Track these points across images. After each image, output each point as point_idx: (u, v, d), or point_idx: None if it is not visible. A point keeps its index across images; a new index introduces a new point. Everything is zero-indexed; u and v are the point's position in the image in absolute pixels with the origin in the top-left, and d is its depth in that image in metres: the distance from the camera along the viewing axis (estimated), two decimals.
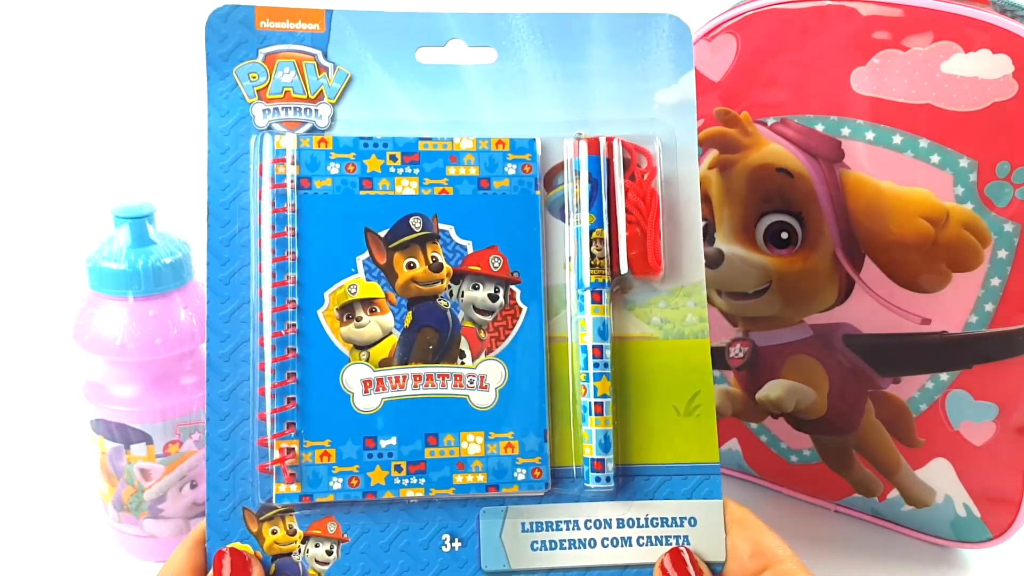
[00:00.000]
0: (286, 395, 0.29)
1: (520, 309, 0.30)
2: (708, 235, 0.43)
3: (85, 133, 0.67)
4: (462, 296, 0.30)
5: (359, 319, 0.30)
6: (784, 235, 0.41)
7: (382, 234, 0.30)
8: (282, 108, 0.30)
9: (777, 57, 0.40)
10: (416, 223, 0.30)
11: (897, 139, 0.38)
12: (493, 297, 0.30)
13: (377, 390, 0.29)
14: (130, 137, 0.67)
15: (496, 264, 0.30)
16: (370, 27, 0.31)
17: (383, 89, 0.31)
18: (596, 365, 0.30)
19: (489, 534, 0.30)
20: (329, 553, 0.30)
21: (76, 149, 0.67)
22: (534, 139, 0.31)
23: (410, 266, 0.30)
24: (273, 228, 0.30)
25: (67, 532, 0.45)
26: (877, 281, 0.40)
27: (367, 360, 0.30)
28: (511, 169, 0.31)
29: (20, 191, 0.68)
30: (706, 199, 0.43)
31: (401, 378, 0.30)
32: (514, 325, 0.30)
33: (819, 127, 0.39)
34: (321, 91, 0.31)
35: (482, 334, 0.30)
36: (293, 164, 0.30)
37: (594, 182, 0.31)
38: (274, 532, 0.30)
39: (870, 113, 0.38)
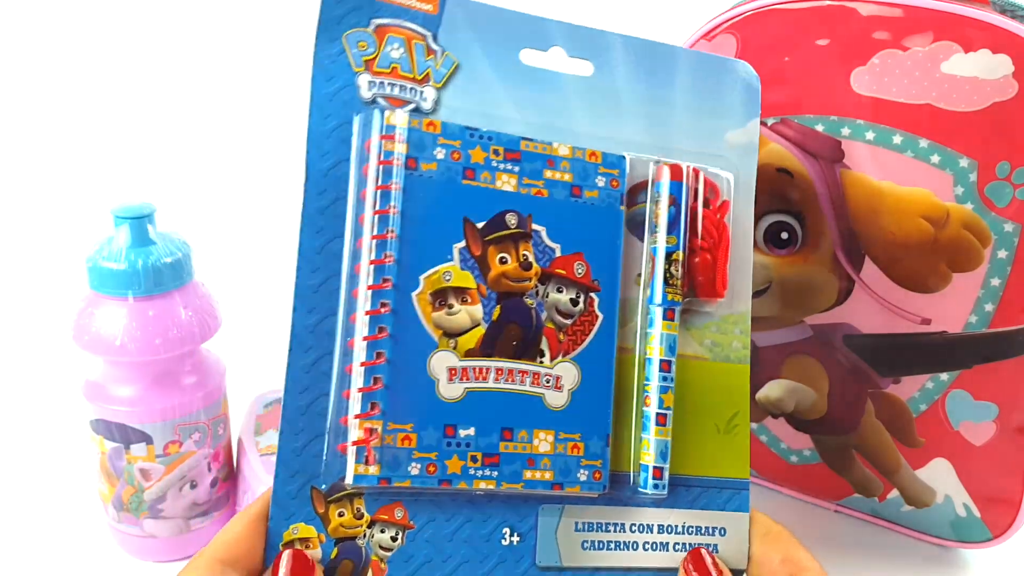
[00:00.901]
0: (374, 375, 0.29)
1: (597, 316, 0.31)
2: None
3: (85, 133, 0.67)
4: (547, 297, 0.31)
5: (451, 306, 0.30)
6: (784, 235, 0.41)
7: (479, 226, 0.30)
8: (388, 84, 0.30)
9: (777, 57, 0.40)
10: (512, 220, 0.31)
11: (897, 139, 0.38)
12: (575, 302, 0.31)
13: (462, 379, 0.29)
14: (130, 137, 0.67)
15: (580, 270, 0.31)
16: (481, 18, 0.31)
17: (486, 82, 0.31)
18: (663, 379, 0.31)
19: (546, 531, 0.30)
20: (394, 539, 0.29)
21: (76, 149, 0.67)
22: (624, 156, 0.32)
23: (503, 261, 0.30)
24: (376, 204, 0.29)
25: (67, 532, 0.45)
26: (877, 281, 0.40)
27: (454, 348, 0.30)
28: (601, 181, 0.31)
29: (20, 191, 0.68)
30: None
31: (485, 370, 0.30)
32: (590, 331, 0.31)
33: (819, 127, 0.39)
34: (428, 73, 0.30)
35: (561, 336, 0.31)
36: (402, 143, 0.29)
37: (676, 206, 0.32)
38: (341, 515, 0.29)
39: (870, 113, 0.38)
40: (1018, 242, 0.37)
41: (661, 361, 0.31)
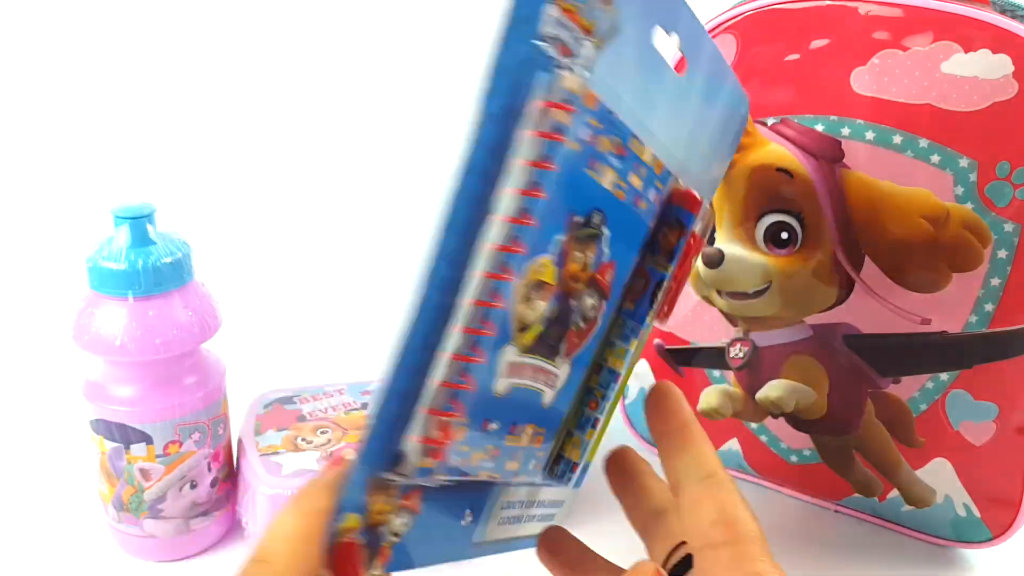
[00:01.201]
0: (465, 372, 0.26)
1: (596, 323, 0.30)
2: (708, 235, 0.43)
3: (85, 133, 0.67)
4: (581, 300, 0.29)
5: (529, 300, 0.28)
6: (784, 235, 0.41)
7: (578, 220, 0.28)
8: (566, 25, 0.25)
9: (777, 57, 0.40)
10: (596, 219, 0.28)
11: (897, 139, 0.38)
12: (596, 308, 0.30)
13: (510, 375, 0.28)
14: (130, 137, 0.67)
15: (609, 278, 0.30)
16: None
17: (626, 58, 0.27)
18: (614, 390, 0.31)
19: (487, 510, 0.31)
20: (405, 525, 0.29)
21: (76, 149, 0.67)
22: (672, 174, 0.30)
23: (577, 260, 0.29)
24: (527, 181, 0.25)
25: (67, 532, 0.45)
26: (877, 281, 0.40)
27: (517, 342, 0.28)
28: (652, 194, 0.30)
29: (20, 191, 0.68)
30: None
31: (532, 368, 0.28)
32: (588, 336, 0.30)
33: (819, 127, 0.39)
34: (594, 26, 0.25)
35: (575, 338, 0.30)
36: (569, 114, 0.25)
37: (684, 236, 0.31)
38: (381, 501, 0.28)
39: (870, 113, 0.38)
40: (1018, 242, 0.37)
41: (621, 375, 0.31)
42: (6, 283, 0.66)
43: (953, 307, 0.39)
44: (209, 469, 0.42)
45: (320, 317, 0.64)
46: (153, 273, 0.38)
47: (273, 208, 0.68)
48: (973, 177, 0.37)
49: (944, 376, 0.40)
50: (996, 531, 0.42)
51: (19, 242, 0.68)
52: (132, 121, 0.66)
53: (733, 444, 0.48)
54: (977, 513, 0.42)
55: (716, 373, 0.47)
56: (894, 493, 0.44)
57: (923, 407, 0.42)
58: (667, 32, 0.28)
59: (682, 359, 0.48)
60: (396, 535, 0.28)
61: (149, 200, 0.40)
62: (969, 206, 0.37)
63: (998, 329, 0.39)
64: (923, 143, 0.37)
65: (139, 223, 0.39)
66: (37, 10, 0.64)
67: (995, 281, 0.38)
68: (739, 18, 0.41)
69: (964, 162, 0.37)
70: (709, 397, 0.46)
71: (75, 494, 0.47)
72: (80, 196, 0.65)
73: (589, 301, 0.30)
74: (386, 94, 0.68)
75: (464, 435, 0.27)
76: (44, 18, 0.65)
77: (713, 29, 0.42)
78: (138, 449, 0.40)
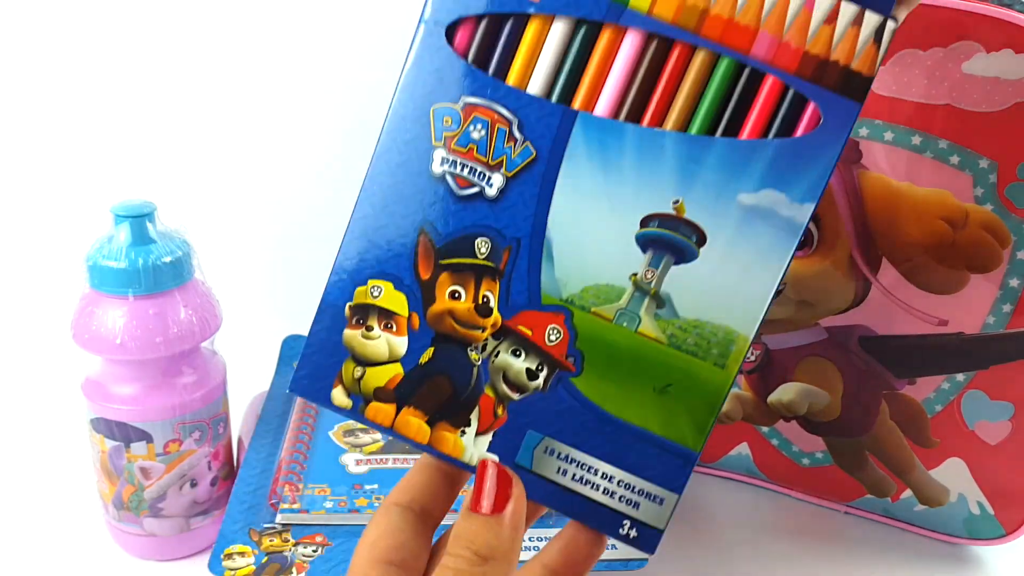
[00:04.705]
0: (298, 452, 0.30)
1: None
2: None
3: (85, 132, 0.67)
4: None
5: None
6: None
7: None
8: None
9: None
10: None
11: (916, 140, 0.37)
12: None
13: (367, 463, 0.30)
14: (130, 136, 0.66)
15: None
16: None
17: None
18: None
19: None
20: (315, 551, 0.34)
21: (76, 148, 0.67)
22: None
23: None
24: None
25: (67, 531, 0.45)
26: (894, 283, 0.40)
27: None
28: None
29: (20, 190, 0.67)
30: None
31: (389, 460, 0.31)
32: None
33: None
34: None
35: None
36: None
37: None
38: (271, 540, 0.39)
39: (889, 113, 0.38)
40: None
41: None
42: (6, 282, 0.66)
43: (971, 308, 0.39)
44: (209, 468, 0.42)
45: None
46: (153, 272, 0.38)
47: (273, 208, 0.68)
48: (993, 178, 0.36)
49: (960, 377, 0.40)
50: (1009, 528, 0.43)
51: (19, 240, 0.67)
52: (132, 120, 0.66)
53: (743, 448, 0.48)
54: (991, 510, 0.42)
55: None
56: (907, 493, 0.44)
57: (938, 408, 0.41)
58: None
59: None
60: (308, 557, 0.34)
61: (149, 198, 0.40)
62: (989, 207, 0.37)
63: (1016, 330, 0.38)
64: (942, 144, 0.37)
65: (139, 221, 0.38)
66: (37, 10, 0.64)
67: (1014, 282, 0.38)
68: None
69: (984, 163, 0.36)
70: None
71: (75, 493, 0.47)
72: (80, 194, 0.65)
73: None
74: (386, 94, 0.68)
75: (332, 491, 0.33)
76: (44, 18, 0.64)
77: None
78: (138, 448, 0.40)
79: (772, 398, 0.44)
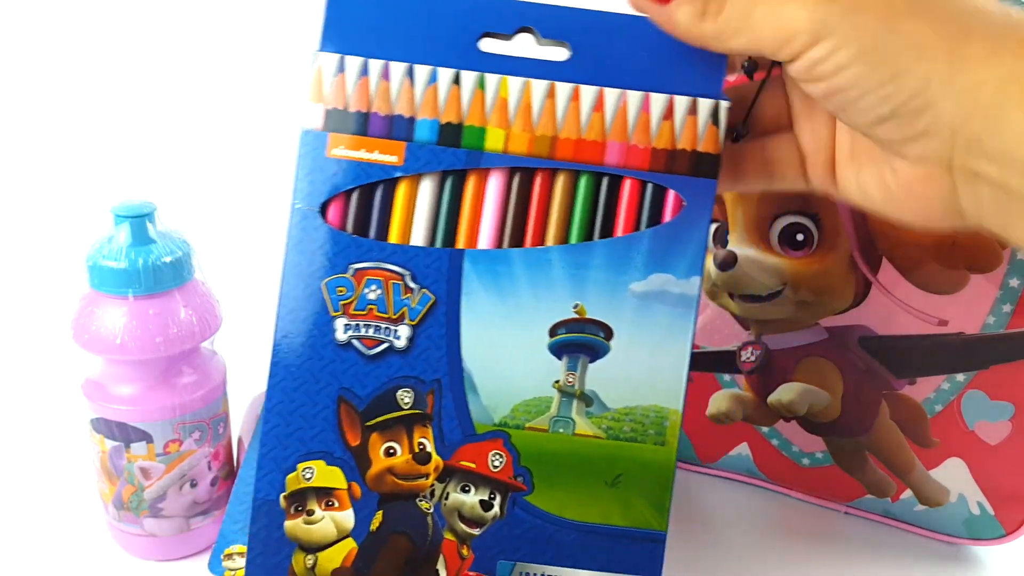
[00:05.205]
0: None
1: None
2: (721, 237, 0.43)
3: (85, 132, 0.67)
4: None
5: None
6: (800, 236, 0.41)
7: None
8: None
9: None
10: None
11: None
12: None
13: None
14: (130, 136, 0.67)
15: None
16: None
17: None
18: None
19: None
20: None
21: (76, 148, 0.67)
22: None
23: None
24: None
25: (67, 531, 0.45)
26: (894, 282, 0.40)
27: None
28: None
29: (20, 190, 0.67)
30: (720, 200, 0.43)
31: None
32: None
33: None
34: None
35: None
36: None
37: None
38: None
39: None
40: None
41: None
42: (6, 282, 0.66)
43: (971, 308, 0.38)
44: (209, 468, 0.42)
45: None
46: (153, 272, 0.38)
47: (273, 208, 0.68)
48: None
49: (960, 377, 0.40)
50: (1009, 528, 0.42)
51: (19, 241, 0.67)
52: (132, 120, 0.66)
53: (743, 449, 0.48)
54: (991, 511, 0.42)
55: (726, 377, 0.46)
56: (907, 493, 0.44)
57: (938, 408, 0.41)
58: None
59: (690, 364, 0.47)
60: None
61: (149, 198, 0.40)
62: None
63: (1016, 329, 0.38)
64: None
65: (139, 221, 0.38)
66: (37, 10, 0.64)
67: (1014, 282, 0.37)
68: None
69: None
70: (719, 401, 0.46)
71: (75, 493, 0.47)
72: (80, 194, 0.65)
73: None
74: None
75: None
76: (44, 17, 0.64)
77: None
78: (138, 448, 0.40)
79: (772, 398, 0.44)
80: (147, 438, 0.40)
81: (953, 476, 0.42)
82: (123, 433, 0.40)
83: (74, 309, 0.40)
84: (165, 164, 0.67)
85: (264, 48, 0.64)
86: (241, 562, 0.39)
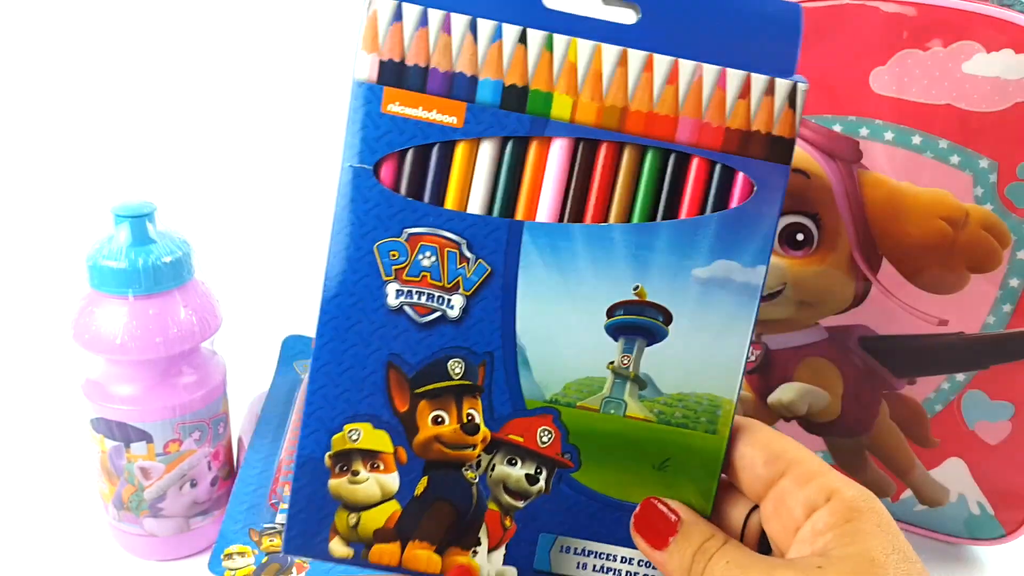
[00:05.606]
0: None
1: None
2: None
3: (85, 132, 0.67)
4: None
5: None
6: (800, 236, 0.41)
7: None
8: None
9: None
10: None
11: (916, 140, 0.37)
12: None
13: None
14: (130, 136, 0.66)
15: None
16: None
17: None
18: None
19: None
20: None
21: (76, 148, 0.67)
22: None
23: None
24: None
25: (67, 531, 0.45)
26: (894, 282, 0.40)
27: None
28: None
29: (20, 190, 0.67)
30: None
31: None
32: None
33: (837, 127, 0.39)
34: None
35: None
36: None
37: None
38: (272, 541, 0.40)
39: (889, 113, 0.37)
40: None
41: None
42: (6, 282, 0.66)
43: (971, 308, 0.39)
44: (209, 468, 0.42)
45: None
46: (153, 272, 0.38)
47: (274, 208, 0.68)
48: (993, 178, 0.36)
49: (960, 377, 0.40)
50: (1009, 528, 0.43)
51: (19, 241, 0.67)
52: (132, 120, 0.66)
53: None
54: (991, 511, 0.42)
55: None
56: (907, 493, 0.44)
57: (938, 408, 0.41)
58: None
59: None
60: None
61: (149, 198, 0.40)
62: (989, 207, 0.37)
63: (1016, 329, 0.38)
64: (943, 144, 0.37)
65: (139, 221, 0.38)
66: (37, 9, 0.64)
67: (1014, 282, 0.38)
68: None
69: (984, 163, 0.36)
70: None
71: (75, 493, 0.47)
72: (80, 194, 0.65)
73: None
74: None
75: None
76: (44, 17, 0.64)
77: None
78: (138, 448, 0.40)
79: (772, 398, 0.44)
80: (147, 438, 0.40)
81: (953, 476, 0.42)
82: (123, 433, 0.40)
83: (74, 309, 0.40)
84: (165, 164, 0.67)
85: (264, 48, 0.64)
86: (242, 562, 0.39)
